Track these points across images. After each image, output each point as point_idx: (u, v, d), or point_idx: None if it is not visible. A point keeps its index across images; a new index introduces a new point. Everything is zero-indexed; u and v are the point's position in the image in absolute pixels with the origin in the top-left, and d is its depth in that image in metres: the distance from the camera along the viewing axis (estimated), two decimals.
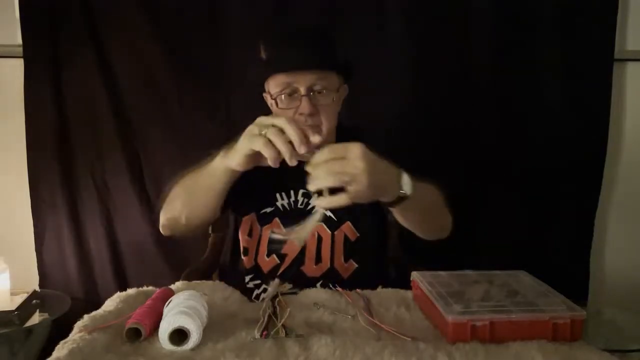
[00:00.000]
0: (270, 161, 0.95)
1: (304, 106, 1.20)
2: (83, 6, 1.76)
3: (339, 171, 0.89)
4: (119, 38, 1.79)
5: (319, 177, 0.90)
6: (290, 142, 0.93)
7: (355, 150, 0.89)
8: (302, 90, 1.20)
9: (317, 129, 1.24)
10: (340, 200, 0.91)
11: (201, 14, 1.79)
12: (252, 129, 0.97)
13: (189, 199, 1.19)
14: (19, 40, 1.77)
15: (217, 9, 1.79)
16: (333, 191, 0.91)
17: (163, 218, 1.25)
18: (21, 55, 1.76)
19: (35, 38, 1.76)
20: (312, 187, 0.91)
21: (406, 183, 0.98)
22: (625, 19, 1.87)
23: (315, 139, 0.96)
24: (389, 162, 0.97)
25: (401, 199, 0.99)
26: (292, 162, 0.94)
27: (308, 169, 0.91)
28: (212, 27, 1.79)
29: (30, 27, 1.76)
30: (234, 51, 1.78)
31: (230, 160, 1.02)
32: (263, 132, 0.95)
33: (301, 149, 0.92)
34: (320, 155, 0.91)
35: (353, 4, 1.80)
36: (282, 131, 0.94)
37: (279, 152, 0.93)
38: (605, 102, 1.87)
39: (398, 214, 1.10)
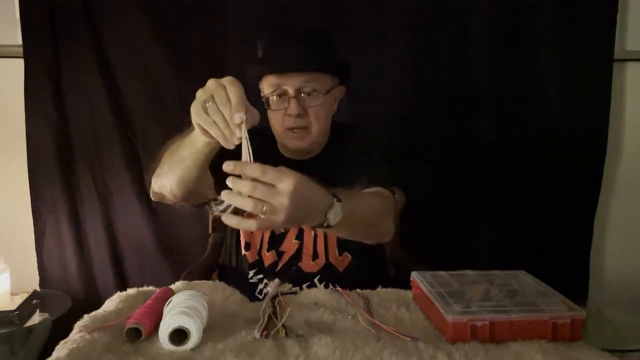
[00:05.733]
0: (222, 143, 0.88)
1: (292, 108, 1.22)
2: (83, 6, 1.76)
3: (261, 198, 0.80)
4: (119, 38, 1.79)
5: (237, 194, 0.80)
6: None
7: (287, 185, 0.80)
8: (291, 91, 1.22)
9: (306, 130, 1.25)
10: (249, 225, 0.83)
11: (202, 13, 1.79)
12: (195, 102, 0.89)
13: (173, 165, 1.10)
14: (19, 40, 1.77)
15: (218, 8, 1.79)
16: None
17: (153, 183, 1.20)
18: (21, 55, 1.76)
19: (35, 38, 1.76)
20: (226, 199, 0.82)
21: (334, 214, 0.90)
22: (625, 19, 1.86)
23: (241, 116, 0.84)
24: (325, 189, 0.90)
25: (323, 226, 0.92)
26: (227, 146, 0.87)
27: (229, 180, 0.81)
28: (212, 27, 1.79)
29: (30, 27, 1.75)
30: (234, 50, 1.78)
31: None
32: (206, 107, 0.87)
33: (235, 118, 0.84)
34: (251, 171, 0.80)
35: (354, 4, 1.80)
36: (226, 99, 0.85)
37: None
38: (605, 102, 1.87)
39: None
